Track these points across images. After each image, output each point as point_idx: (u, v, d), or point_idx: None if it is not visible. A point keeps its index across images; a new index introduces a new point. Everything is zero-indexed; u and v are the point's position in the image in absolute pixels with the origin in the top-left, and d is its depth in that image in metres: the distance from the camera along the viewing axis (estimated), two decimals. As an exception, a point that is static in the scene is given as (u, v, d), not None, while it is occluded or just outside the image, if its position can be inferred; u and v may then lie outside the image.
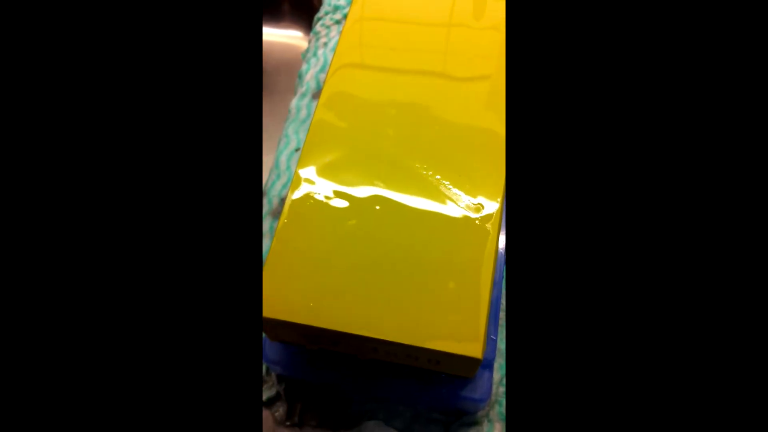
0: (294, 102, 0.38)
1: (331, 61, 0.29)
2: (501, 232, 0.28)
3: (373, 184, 0.25)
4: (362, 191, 0.25)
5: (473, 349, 0.21)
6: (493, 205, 0.24)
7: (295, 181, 0.25)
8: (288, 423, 0.30)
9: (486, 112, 0.27)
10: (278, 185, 0.36)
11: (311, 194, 0.25)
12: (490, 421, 0.30)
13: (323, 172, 0.25)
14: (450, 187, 0.25)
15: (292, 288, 0.23)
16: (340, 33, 0.40)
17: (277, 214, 0.35)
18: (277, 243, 0.24)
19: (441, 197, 0.24)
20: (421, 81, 0.28)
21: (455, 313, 0.22)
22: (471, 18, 0.30)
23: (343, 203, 0.24)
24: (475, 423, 0.30)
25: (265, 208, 0.35)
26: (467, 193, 0.24)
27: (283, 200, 0.35)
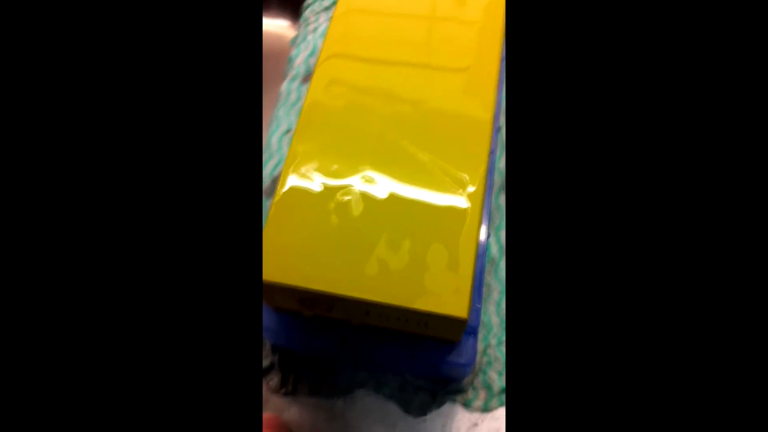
0: (284, 86, 0.39)
1: (322, 48, 0.30)
2: (485, 210, 0.29)
3: (364, 159, 0.26)
4: (355, 164, 0.26)
5: (459, 309, 0.23)
6: (475, 178, 0.25)
7: (291, 155, 0.26)
8: (282, 391, 0.31)
9: (467, 98, 0.28)
10: (270, 165, 0.37)
11: (307, 166, 0.26)
12: (474, 388, 0.31)
13: (318, 147, 0.26)
14: (437, 162, 0.26)
15: (290, 253, 0.24)
16: (330, 21, 0.41)
17: (269, 193, 0.36)
18: (275, 211, 0.25)
19: (429, 171, 0.26)
20: (407, 69, 0.29)
21: (442, 276, 0.23)
22: (455, 10, 0.31)
23: (337, 175, 0.26)
24: (460, 391, 0.31)
25: (257, 188, 0.36)
26: (453, 168, 0.26)
27: (274, 180, 0.36)
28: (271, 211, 0.25)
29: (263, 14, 0.56)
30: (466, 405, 0.31)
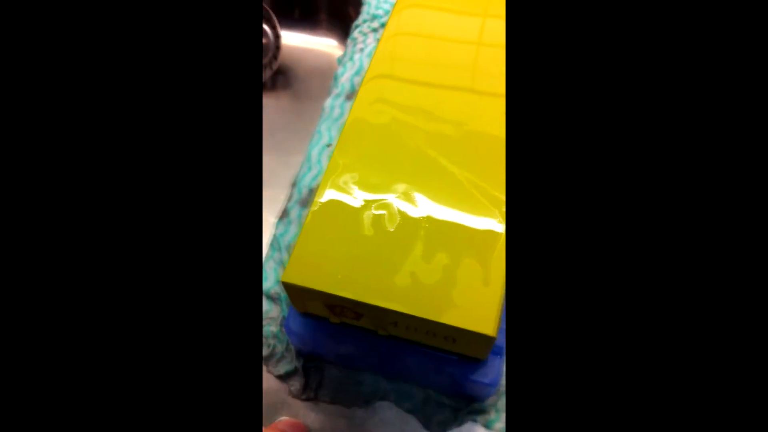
0: (328, 101, 0.41)
1: (368, 67, 0.31)
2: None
3: (401, 174, 0.27)
4: (392, 179, 0.27)
5: (487, 326, 0.23)
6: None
7: (331, 166, 0.27)
8: (303, 396, 0.32)
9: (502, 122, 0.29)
10: (308, 177, 0.38)
11: (346, 177, 0.27)
12: (497, 410, 0.31)
13: (358, 160, 0.27)
14: (473, 181, 0.26)
15: (323, 260, 0.25)
16: (377, 42, 0.42)
17: (305, 203, 0.37)
18: (311, 219, 0.26)
19: (464, 190, 0.26)
20: (448, 92, 0.30)
21: (473, 293, 0.24)
22: (497, 37, 0.32)
23: (374, 188, 0.26)
24: (483, 411, 0.31)
25: (295, 197, 0.37)
26: (489, 187, 0.26)
27: (312, 191, 0.37)
28: (308, 218, 0.26)
29: (312, 33, 0.58)
30: (488, 426, 0.31)
